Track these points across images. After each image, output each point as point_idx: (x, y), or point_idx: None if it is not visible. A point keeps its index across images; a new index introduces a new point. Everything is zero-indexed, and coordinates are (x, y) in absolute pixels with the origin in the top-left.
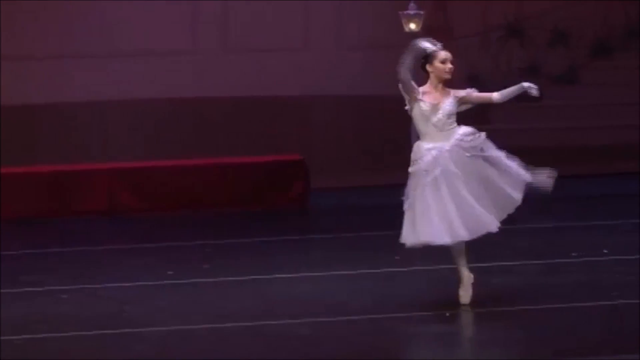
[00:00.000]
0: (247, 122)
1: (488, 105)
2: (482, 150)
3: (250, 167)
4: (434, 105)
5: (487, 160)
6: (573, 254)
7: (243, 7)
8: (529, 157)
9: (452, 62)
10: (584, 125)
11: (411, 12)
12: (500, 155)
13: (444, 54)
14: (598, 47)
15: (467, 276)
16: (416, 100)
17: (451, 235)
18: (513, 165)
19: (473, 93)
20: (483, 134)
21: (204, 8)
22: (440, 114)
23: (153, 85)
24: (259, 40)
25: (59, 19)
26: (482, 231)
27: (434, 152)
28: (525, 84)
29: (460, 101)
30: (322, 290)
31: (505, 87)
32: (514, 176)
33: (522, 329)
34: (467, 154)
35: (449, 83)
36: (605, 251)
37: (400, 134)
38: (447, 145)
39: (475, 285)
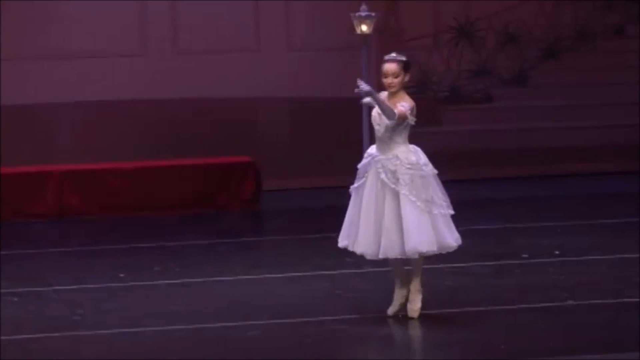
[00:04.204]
0: (197, 123)
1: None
2: (396, 181)
3: (201, 168)
4: (379, 115)
5: (390, 193)
6: (524, 255)
7: (192, 8)
8: (479, 159)
9: (394, 76)
10: (534, 127)
11: (363, 14)
12: (408, 199)
13: (384, 68)
14: (548, 48)
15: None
16: None
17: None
18: (411, 219)
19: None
20: (407, 170)
21: (153, 9)
22: (380, 126)
23: (102, 87)
24: (209, 42)
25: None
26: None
27: (368, 159)
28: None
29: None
30: (272, 293)
31: (456, 89)
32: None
33: (471, 331)
34: (381, 175)
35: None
36: (556, 252)
37: (351, 135)
38: (381, 157)
39: (425, 288)
